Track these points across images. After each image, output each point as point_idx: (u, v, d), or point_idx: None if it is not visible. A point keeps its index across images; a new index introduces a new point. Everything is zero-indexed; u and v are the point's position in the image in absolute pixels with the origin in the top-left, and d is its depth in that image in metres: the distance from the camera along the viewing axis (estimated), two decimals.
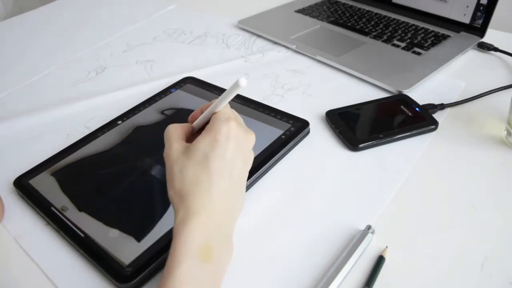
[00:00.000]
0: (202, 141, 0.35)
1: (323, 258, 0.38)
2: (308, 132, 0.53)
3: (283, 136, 0.51)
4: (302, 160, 0.50)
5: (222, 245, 0.33)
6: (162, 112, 0.58)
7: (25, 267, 0.40)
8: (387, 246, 0.39)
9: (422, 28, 0.75)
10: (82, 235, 0.41)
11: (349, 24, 0.79)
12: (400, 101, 0.57)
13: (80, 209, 0.44)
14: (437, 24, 0.75)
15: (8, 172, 0.49)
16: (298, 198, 0.45)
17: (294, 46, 0.73)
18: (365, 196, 0.44)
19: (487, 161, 0.48)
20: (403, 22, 0.78)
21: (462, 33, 0.72)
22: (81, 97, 0.64)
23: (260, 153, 0.48)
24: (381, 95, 0.60)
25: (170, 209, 0.42)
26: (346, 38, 0.74)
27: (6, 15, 1.38)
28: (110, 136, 0.54)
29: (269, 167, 0.48)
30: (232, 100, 0.36)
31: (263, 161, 0.47)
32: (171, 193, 0.34)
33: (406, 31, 0.74)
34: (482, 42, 0.70)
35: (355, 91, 0.61)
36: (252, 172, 0.44)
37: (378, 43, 0.72)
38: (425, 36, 0.72)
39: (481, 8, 0.69)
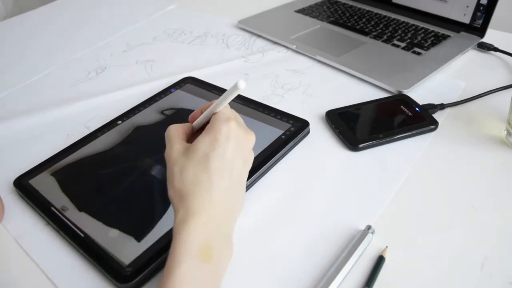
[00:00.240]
0: (202, 141, 0.35)
1: (323, 258, 0.38)
2: (308, 132, 0.53)
3: (283, 136, 0.51)
4: (302, 160, 0.50)
5: (222, 245, 0.33)
6: (162, 112, 0.58)
7: (25, 267, 0.40)
8: (387, 246, 0.39)
9: (422, 28, 0.75)
10: (82, 235, 0.41)
11: (349, 24, 0.79)
12: (400, 101, 0.57)
13: (80, 209, 0.44)
14: (437, 24, 0.75)
15: (8, 172, 0.49)
16: (298, 198, 0.45)
17: (294, 46, 0.73)
18: (365, 196, 0.44)
19: (487, 161, 0.48)
20: (403, 22, 0.78)
21: (462, 33, 0.72)
22: (81, 97, 0.64)
23: (260, 153, 0.48)
24: (381, 95, 0.60)
25: (170, 209, 0.42)
26: (346, 38, 0.74)
27: (6, 15, 1.38)
28: (110, 136, 0.54)
29: (269, 167, 0.48)
30: (232, 100, 0.36)
31: (263, 161, 0.47)
32: (171, 193, 0.35)
33: (406, 31, 0.74)
34: (482, 42, 0.70)
35: (355, 91, 0.61)
36: (252, 172, 0.44)
37: (378, 43, 0.72)
38: (425, 36, 0.72)
39: (481, 8, 0.69)
